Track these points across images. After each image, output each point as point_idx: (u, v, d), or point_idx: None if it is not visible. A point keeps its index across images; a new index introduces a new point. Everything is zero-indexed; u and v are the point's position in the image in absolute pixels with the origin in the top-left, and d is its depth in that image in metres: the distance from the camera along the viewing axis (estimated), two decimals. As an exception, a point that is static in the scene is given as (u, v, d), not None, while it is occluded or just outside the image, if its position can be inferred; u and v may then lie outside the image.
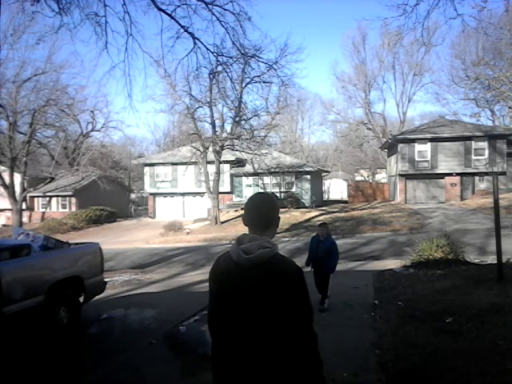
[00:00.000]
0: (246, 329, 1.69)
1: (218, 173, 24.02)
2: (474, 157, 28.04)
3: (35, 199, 34.56)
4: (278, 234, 19.29)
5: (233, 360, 1.71)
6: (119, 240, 21.46)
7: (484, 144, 27.91)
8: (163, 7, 8.38)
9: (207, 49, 9.35)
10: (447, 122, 30.93)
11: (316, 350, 1.72)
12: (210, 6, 8.62)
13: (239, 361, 1.70)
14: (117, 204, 34.70)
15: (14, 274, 4.88)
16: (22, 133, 27.69)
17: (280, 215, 1.90)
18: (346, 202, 35.34)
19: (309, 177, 30.81)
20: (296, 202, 28.42)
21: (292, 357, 1.66)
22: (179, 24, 8.73)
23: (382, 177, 51.68)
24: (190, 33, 8.93)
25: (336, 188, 49.99)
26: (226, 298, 1.75)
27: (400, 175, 29.29)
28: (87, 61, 77.52)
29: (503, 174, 26.99)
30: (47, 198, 34.38)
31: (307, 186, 30.61)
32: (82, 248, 6.58)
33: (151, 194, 33.51)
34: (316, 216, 23.89)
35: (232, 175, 31.08)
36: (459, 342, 4.35)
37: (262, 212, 1.81)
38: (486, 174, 26.72)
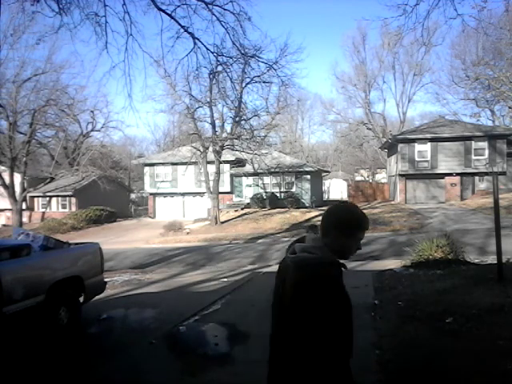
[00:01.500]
0: (278, 325, 1.79)
1: (218, 173, 24.01)
2: (473, 157, 28.04)
3: (35, 199, 34.55)
4: (277, 234, 19.30)
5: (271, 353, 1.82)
6: (119, 240, 21.45)
7: (484, 144, 27.91)
8: (163, 7, 8.41)
9: (207, 49, 9.37)
10: (447, 122, 30.93)
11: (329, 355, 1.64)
12: (210, 6, 8.64)
13: (273, 354, 1.80)
14: (117, 204, 34.69)
15: (14, 273, 4.88)
16: (22, 133, 27.71)
17: (342, 229, 1.77)
18: (346, 202, 35.30)
19: (309, 177, 30.81)
20: (296, 202, 28.42)
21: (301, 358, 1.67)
22: (179, 24, 8.76)
23: (381, 177, 51.68)
24: (189, 33, 8.95)
25: (336, 188, 49.98)
26: (275, 294, 1.85)
27: (400, 175, 29.29)
28: (87, 61, 77.62)
29: (503, 174, 26.99)
30: (47, 198, 34.37)
31: (307, 186, 30.60)
32: (82, 248, 6.57)
33: (151, 194, 33.50)
34: (316, 216, 23.87)
35: (232, 175, 31.07)
36: (459, 341, 4.35)
37: (323, 217, 1.89)
38: (486, 173, 26.71)
